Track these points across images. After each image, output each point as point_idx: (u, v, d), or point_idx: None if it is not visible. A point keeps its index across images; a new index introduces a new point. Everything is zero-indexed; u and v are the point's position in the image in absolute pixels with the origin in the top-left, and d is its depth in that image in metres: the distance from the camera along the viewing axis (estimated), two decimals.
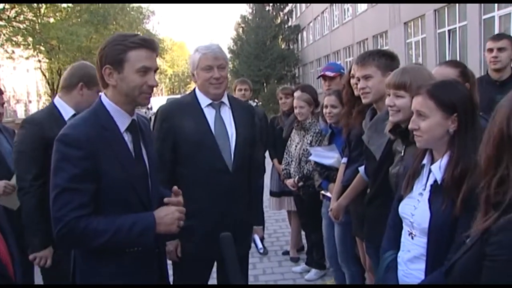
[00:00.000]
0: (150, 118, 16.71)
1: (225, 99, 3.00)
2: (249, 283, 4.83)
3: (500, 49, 4.00)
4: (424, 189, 2.05)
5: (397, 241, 2.19)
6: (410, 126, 2.05)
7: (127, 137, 2.12)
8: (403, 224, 2.15)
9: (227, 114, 2.98)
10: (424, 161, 2.09)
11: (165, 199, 2.14)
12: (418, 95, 2.04)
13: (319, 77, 4.76)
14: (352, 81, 3.26)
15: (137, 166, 2.13)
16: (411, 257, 2.06)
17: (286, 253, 5.70)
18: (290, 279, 5.02)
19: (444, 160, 1.98)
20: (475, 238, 1.44)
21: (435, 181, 1.99)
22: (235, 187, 2.88)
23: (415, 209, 2.05)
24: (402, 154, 2.47)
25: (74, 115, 3.01)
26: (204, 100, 2.94)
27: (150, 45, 2.10)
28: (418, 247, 2.02)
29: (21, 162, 2.86)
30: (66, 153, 1.93)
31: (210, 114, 2.92)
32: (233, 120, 2.97)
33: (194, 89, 3.04)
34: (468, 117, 1.96)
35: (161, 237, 2.11)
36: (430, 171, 2.05)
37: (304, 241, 5.61)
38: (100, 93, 2.19)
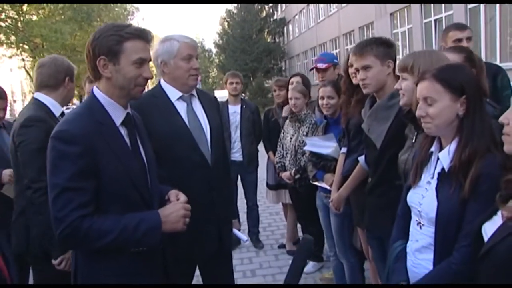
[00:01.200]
0: None
1: (193, 91, 2.89)
2: (246, 278, 4.83)
3: (468, 39, 3.68)
4: (432, 178, 2.01)
5: (406, 231, 2.15)
6: (417, 114, 1.99)
7: (123, 131, 2.06)
8: (412, 214, 2.11)
9: (198, 106, 2.88)
10: (432, 149, 2.05)
11: (171, 196, 2.12)
12: (424, 80, 1.97)
13: (311, 69, 4.72)
14: (350, 70, 3.23)
15: (135, 161, 2.06)
16: (419, 247, 2.03)
17: (282, 246, 5.69)
18: None
19: (453, 146, 1.93)
20: None
21: (443, 169, 1.95)
22: (216, 181, 2.79)
23: (423, 198, 2.01)
24: (414, 140, 2.43)
25: (62, 113, 2.99)
26: (173, 94, 2.79)
27: (146, 36, 2.05)
28: (426, 237, 1.99)
29: (35, 162, 2.69)
30: (64, 150, 1.86)
31: (181, 108, 2.79)
32: (205, 112, 2.88)
33: (159, 82, 2.87)
34: (476, 99, 1.91)
35: (166, 234, 2.05)
36: (438, 158, 2.00)
37: (300, 234, 5.59)
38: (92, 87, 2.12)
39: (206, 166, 2.76)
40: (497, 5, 12.22)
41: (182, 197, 2.16)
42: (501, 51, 12.27)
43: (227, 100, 5.85)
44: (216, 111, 3.06)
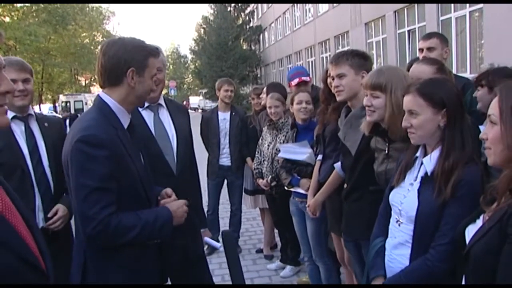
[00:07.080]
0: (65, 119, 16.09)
1: (161, 101, 2.95)
2: (225, 282, 4.89)
3: (429, 49, 3.87)
4: (415, 180, 2.17)
5: (386, 229, 2.31)
6: (403, 124, 2.16)
7: (129, 135, 2.22)
8: (392, 212, 2.26)
9: (165, 116, 2.94)
10: (417, 154, 2.21)
11: (162, 201, 2.33)
12: (408, 94, 2.14)
13: (297, 84, 4.83)
14: (329, 80, 3.37)
15: (141, 162, 2.25)
16: (396, 243, 2.18)
17: (259, 251, 5.77)
18: (266, 276, 5.09)
19: (435, 153, 2.09)
20: (494, 221, 1.55)
21: (426, 173, 2.11)
22: (181, 190, 2.73)
23: (404, 198, 2.16)
24: (387, 151, 2.58)
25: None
26: None
27: (159, 54, 2.35)
28: (404, 234, 2.14)
29: None
30: (92, 153, 1.98)
31: (148, 117, 2.86)
32: (172, 122, 2.93)
33: None
34: (456, 111, 2.07)
35: None
36: (421, 163, 2.16)
37: (277, 238, 5.68)
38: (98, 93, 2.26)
39: (171, 174, 2.82)
40: (467, 18, 12.61)
41: (174, 195, 2.39)
42: (471, 62, 12.65)
43: (217, 106, 5.88)
44: (185, 120, 3.10)
